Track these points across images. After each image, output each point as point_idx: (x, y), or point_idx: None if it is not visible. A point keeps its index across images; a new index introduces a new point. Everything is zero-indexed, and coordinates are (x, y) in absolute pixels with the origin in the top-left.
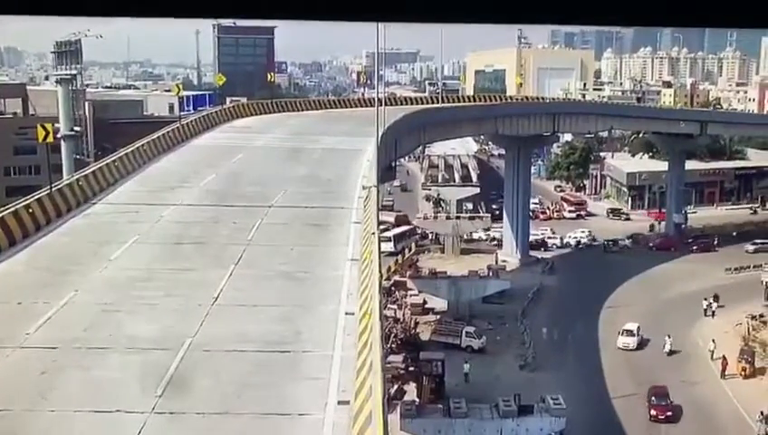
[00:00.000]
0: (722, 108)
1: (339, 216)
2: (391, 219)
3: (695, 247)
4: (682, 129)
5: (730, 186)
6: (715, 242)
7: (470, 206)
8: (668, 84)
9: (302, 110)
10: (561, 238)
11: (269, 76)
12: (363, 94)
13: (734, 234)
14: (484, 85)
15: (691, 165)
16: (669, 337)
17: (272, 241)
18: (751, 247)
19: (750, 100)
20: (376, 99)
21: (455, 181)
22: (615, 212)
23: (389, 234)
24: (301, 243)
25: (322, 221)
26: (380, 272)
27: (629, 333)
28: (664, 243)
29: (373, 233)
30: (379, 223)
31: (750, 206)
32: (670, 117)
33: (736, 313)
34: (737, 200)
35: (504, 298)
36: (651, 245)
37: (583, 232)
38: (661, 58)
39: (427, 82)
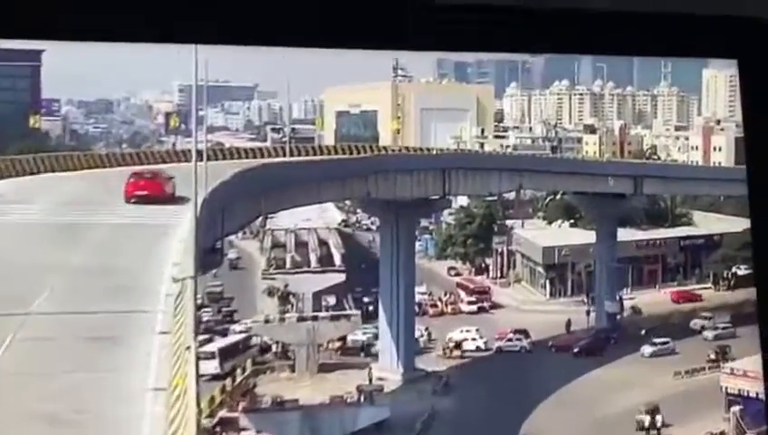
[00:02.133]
0: (659, 159)
1: (136, 324)
2: None
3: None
4: (611, 187)
5: (674, 261)
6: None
7: (332, 301)
8: (592, 129)
9: (84, 168)
10: (486, 341)
11: (32, 120)
12: (175, 145)
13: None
14: (350, 131)
15: (625, 234)
16: None
17: (28, 367)
18: (648, 350)
19: (692, 148)
20: (194, 151)
21: (310, 266)
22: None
23: (213, 347)
24: (75, 367)
25: (110, 333)
26: (199, 406)
27: None
28: (592, 344)
29: (188, 348)
30: (200, 330)
31: (701, 286)
32: (596, 171)
33: (690, 432)
34: (684, 279)
35: (381, 433)
36: (576, 349)
37: (468, 331)
38: (581, 94)
39: (269, 127)
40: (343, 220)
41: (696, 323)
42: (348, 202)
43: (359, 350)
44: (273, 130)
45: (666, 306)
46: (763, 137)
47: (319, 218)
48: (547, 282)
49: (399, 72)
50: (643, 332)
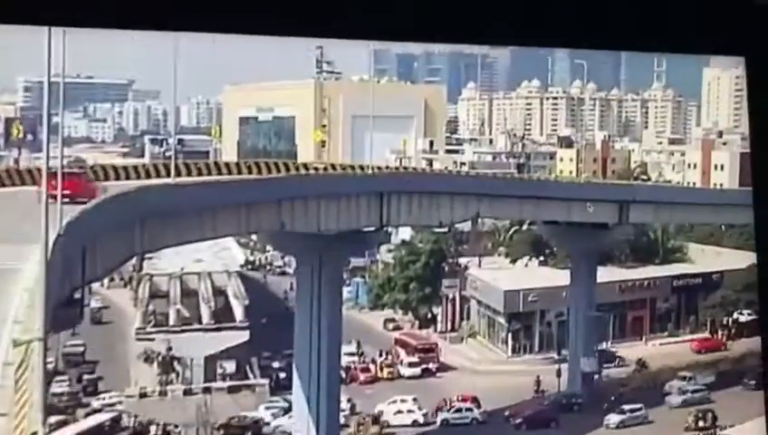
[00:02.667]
0: (649, 179)
1: None
2: None
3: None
4: (591, 215)
5: (665, 305)
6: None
7: (232, 367)
8: (568, 142)
9: None
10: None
11: None
12: (18, 162)
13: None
14: (257, 144)
15: (607, 274)
16: None
17: None
18: (614, 419)
19: (689, 165)
20: (44, 170)
21: (201, 322)
22: None
23: (69, 434)
24: None
25: None
26: None
27: None
28: (538, 415)
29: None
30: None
31: (697, 337)
32: (572, 196)
33: None
34: (676, 328)
35: None
36: (518, 420)
37: (404, 401)
38: (555, 98)
39: (147, 137)
40: (248, 261)
41: (671, 385)
42: (254, 237)
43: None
44: (153, 141)
45: (655, 362)
46: None
47: (214, 259)
48: (509, 335)
49: (325, 66)
50: (613, 397)
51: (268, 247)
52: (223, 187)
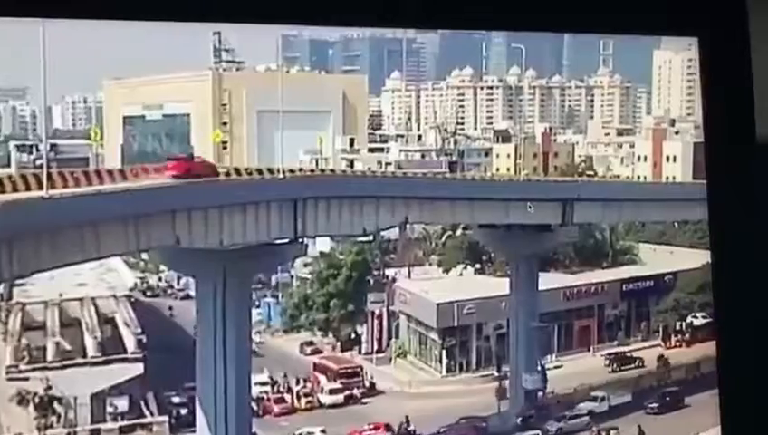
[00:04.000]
0: (595, 175)
1: None
2: None
3: None
4: (531, 216)
5: (615, 312)
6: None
7: (124, 404)
8: (505, 136)
9: None
10: None
11: None
12: None
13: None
14: (145, 147)
15: (550, 281)
16: None
17: None
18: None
19: (640, 158)
20: None
21: (85, 355)
22: None
23: None
24: None
25: None
26: None
27: None
28: None
29: None
30: None
31: (649, 344)
32: (510, 196)
33: None
34: (627, 336)
35: None
36: None
37: (311, 433)
38: (490, 87)
39: (13, 143)
40: (139, 284)
41: (581, 408)
42: (145, 256)
43: None
44: (20, 148)
45: (599, 375)
46: (730, 141)
47: (99, 282)
48: (443, 353)
49: (224, 55)
50: (519, 419)
51: (162, 267)
52: (106, 198)
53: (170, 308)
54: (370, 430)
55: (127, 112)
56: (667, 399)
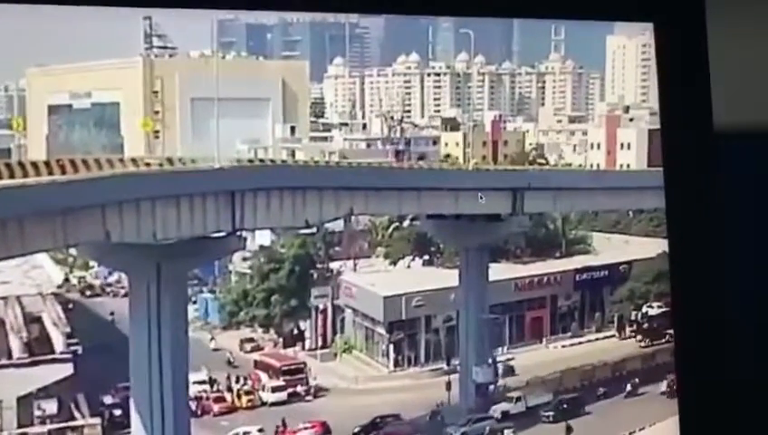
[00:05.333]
0: (547, 163)
1: None
2: None
3: None
4: (481, 206)
5: (568, 303)
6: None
7: (53, 407)
8: (453, 124)
9: None
10: None
11: None
12: None
13: None
14: (72, 138)
15: (501, 272)
16: None
17: None
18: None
19: (593, 146)
20: None
21: (10, 357)
22: None
23: None
24: None
25: None
26: None
27: None
28: None
29: None
30: None
31: (603, 335)
32: (459, 185)
33: None
34: (581, 327)
35: None
36: None
37: (247, 433)
38: (437, 74)
39: None
40: (68, 281)
41: (495, 409)
42: (74, 251)
43: None
44: None
45: (554, 366)
46: (688, 128)
47: (24, 280)
48: (390, 347)
49: (155, 41)
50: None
51: (92, 263)
52: (30, 191)
53: (112, 314)
54: (306, 429)
55: (52, 101)
56: (565, 406)
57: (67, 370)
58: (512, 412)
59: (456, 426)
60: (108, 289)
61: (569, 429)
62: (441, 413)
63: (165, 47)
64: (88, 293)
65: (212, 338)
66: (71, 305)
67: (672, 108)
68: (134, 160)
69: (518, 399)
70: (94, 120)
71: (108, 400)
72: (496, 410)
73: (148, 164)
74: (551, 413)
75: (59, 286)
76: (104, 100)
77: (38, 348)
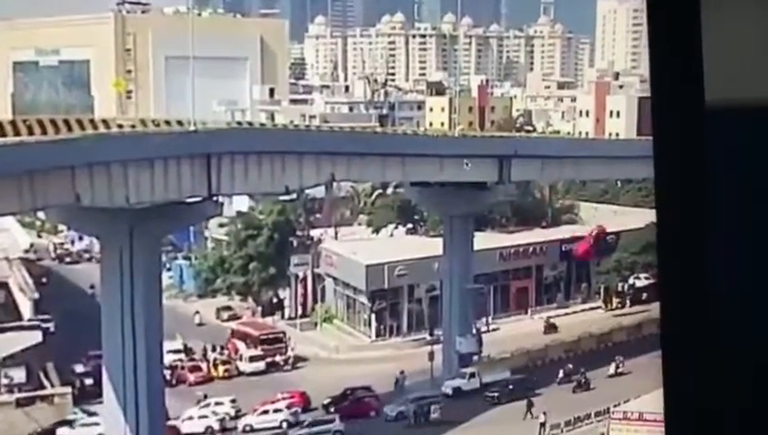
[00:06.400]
0: (534, 130)
1: None
2: None
3: None
4: (466, 174)
5: (553, 273)
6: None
7: (21, 375)
8: (439, 88)
9: None
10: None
11: None
12: None
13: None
14: (39, 97)
15: (486, 241)
16: None
17: None
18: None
19: (581, 113)
20: None
21: None
22: None
23: None
24: None
25: None
26: None
27: None
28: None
29: None
30: None
31: (589, 306)
32: (444, 152)
33: None
34: (567, 298)
35: None
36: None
37: (219, 404)
38: (423, 36)
39: None
40: (34, 246)
41: (447, 385)
42: (42, 215)
43: None
44: None
45: (537, 339)
46: (678, 95)
47: None
48: (372, 317)
49: None
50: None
51: (61, 227)
52: None
53: (92, 287)
54: (284, 399)
55: (17, 58)
56: (510, 387)
57: (36, 337)
58: (464, 389)
59: (393, 405)
60: (79, 253)
61: (530, 404)
62: (401, 381)
63: (138, 2)
64: (77, 262)
65: (196, 312)
66: (39, 270)
67: (663, 75)
68: (105, 122)
69: (472, 375)
70: (63, 78)
71: (79, 368)
72: (447, 387)
73: (120, 125)
74: (496, 393)
75: (26, 251)
76: (73, 57)
77: (5, 315)
